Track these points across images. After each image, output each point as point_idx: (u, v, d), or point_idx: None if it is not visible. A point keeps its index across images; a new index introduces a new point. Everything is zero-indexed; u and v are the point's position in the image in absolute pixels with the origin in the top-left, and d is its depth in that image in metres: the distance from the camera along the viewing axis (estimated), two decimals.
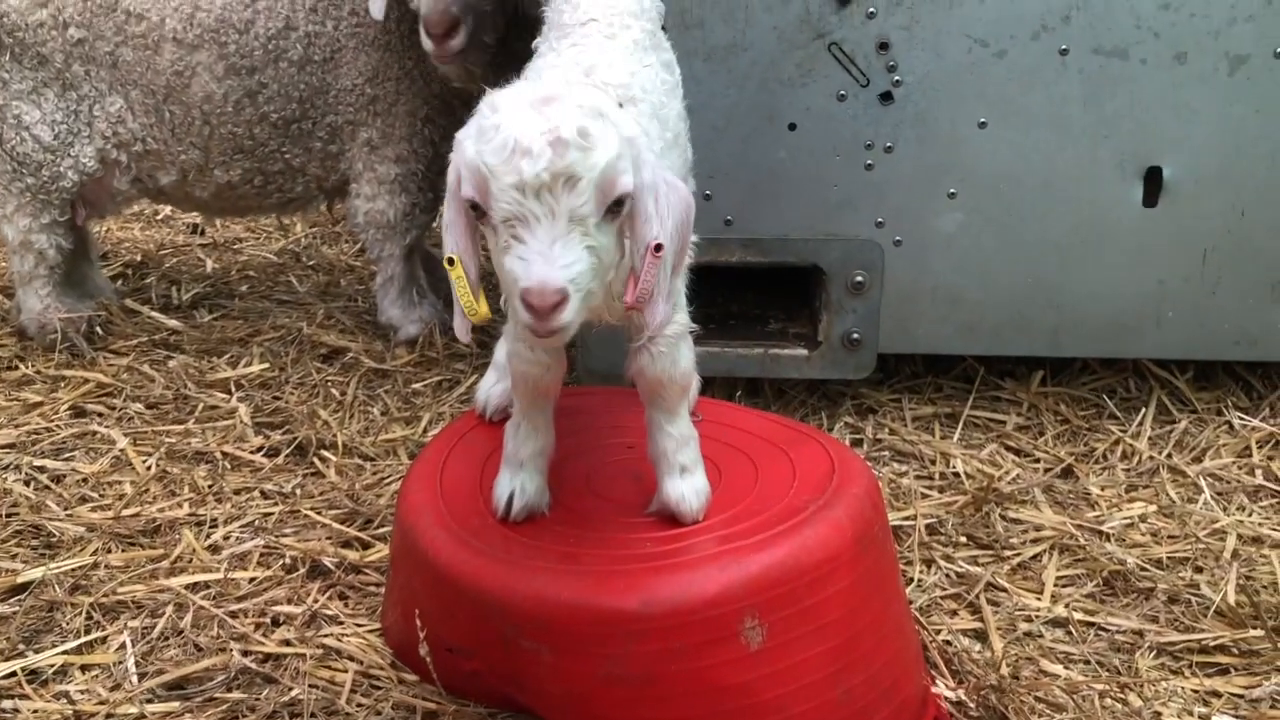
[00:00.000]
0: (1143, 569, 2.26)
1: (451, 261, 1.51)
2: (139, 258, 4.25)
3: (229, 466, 2.65)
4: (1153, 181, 2.63)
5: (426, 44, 2.81)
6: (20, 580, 2.13)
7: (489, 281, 1.58)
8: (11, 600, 2.09)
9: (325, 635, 1.99)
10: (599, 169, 1.36)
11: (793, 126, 2.61)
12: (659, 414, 1.76)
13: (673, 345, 1.70)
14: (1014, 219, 2.67)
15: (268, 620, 2.04)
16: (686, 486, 1.74)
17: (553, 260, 1.35)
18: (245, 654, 1.91)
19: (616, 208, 1.41)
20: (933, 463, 2.70)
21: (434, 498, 1.85)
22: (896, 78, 2.56)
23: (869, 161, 2.63)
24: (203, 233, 4.67)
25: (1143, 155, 2.62)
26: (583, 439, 2.02)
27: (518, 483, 1.78)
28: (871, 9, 2.52)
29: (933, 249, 2.69)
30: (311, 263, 4.35)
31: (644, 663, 1.56)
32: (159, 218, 4.84)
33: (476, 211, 1.43)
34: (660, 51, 2.03)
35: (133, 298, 3.70)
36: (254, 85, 3.17)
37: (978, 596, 2.17)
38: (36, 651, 1.93)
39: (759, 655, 1.57)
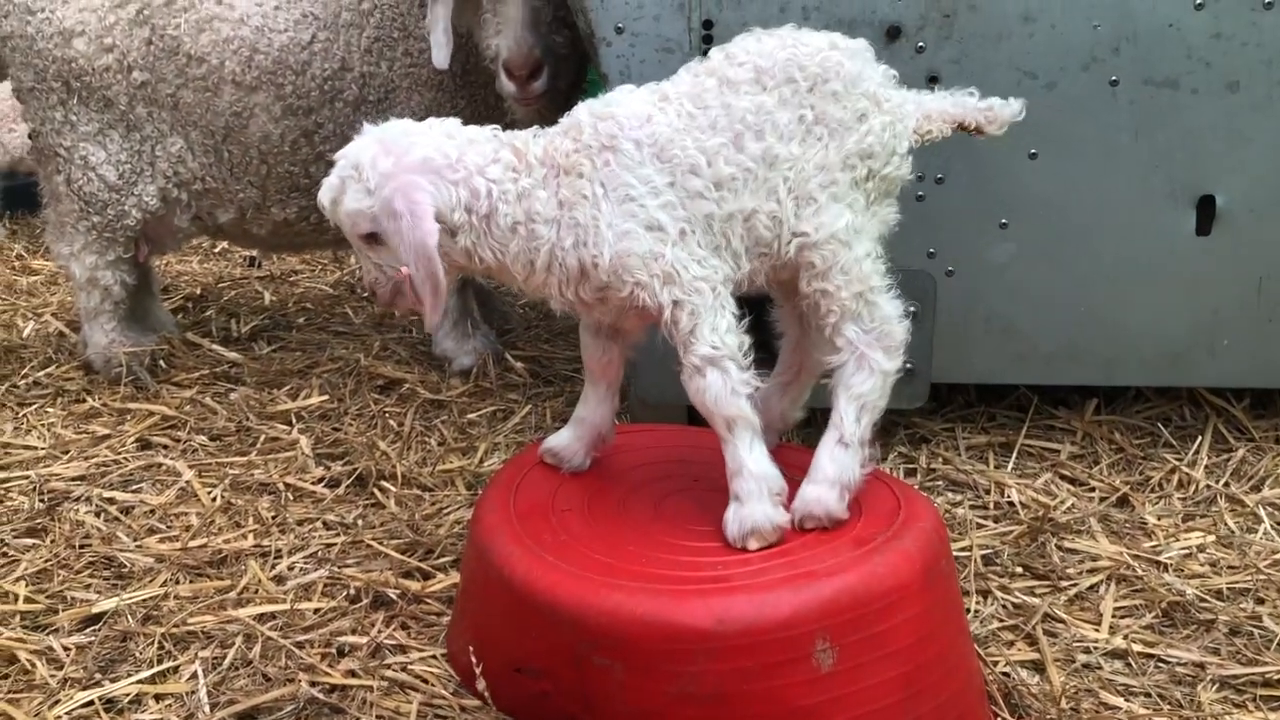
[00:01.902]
0: (1202, 600, 2.25)
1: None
2: (199, 291, 4.36)
3: (291, 497, 2.71)
4: (1206, 210, 2.63)
5: (508, 87, 2.90)
6: (95, 610, 2.19)
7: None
8: (88, 630, 2.15)
9: (390, 666, 2.03)
10: (341, 219, 1.85)
11: None
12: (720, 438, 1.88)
13: (694, 373, 1.84)
14: (1066, 249, 2.68)
15: (333, 651, 2.09)
16: (731, 514, 1.85)
17: (363, 270, 1.98)
18: (313, 684, 1.95)
19: (374, 239, 1.85)
20: (987, 492, 2.70)
21: (508, 519, 1.90)
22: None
23: (920, 193, 2.65)
24: (259, 265, 4.78)
25: (1195, 184, 2.62)
26: (653, 470, 2.11)
27: (559, 434, 2.14)
28: (921, 43, 2.55)
29: (985, 279, 2.71)
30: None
31: (716, 681, 1.59)
32: (216, 251, 4.96)
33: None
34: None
35: (194, 331, 3.79)
36: (310, 125, 3.25)
37: (1035, 628, 2.17)
38: (112, 681, 1.99)
39: (830, 678, 1.60)
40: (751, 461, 1.85)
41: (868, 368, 1.92)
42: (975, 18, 2.54)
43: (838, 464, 1.89)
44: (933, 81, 2.56)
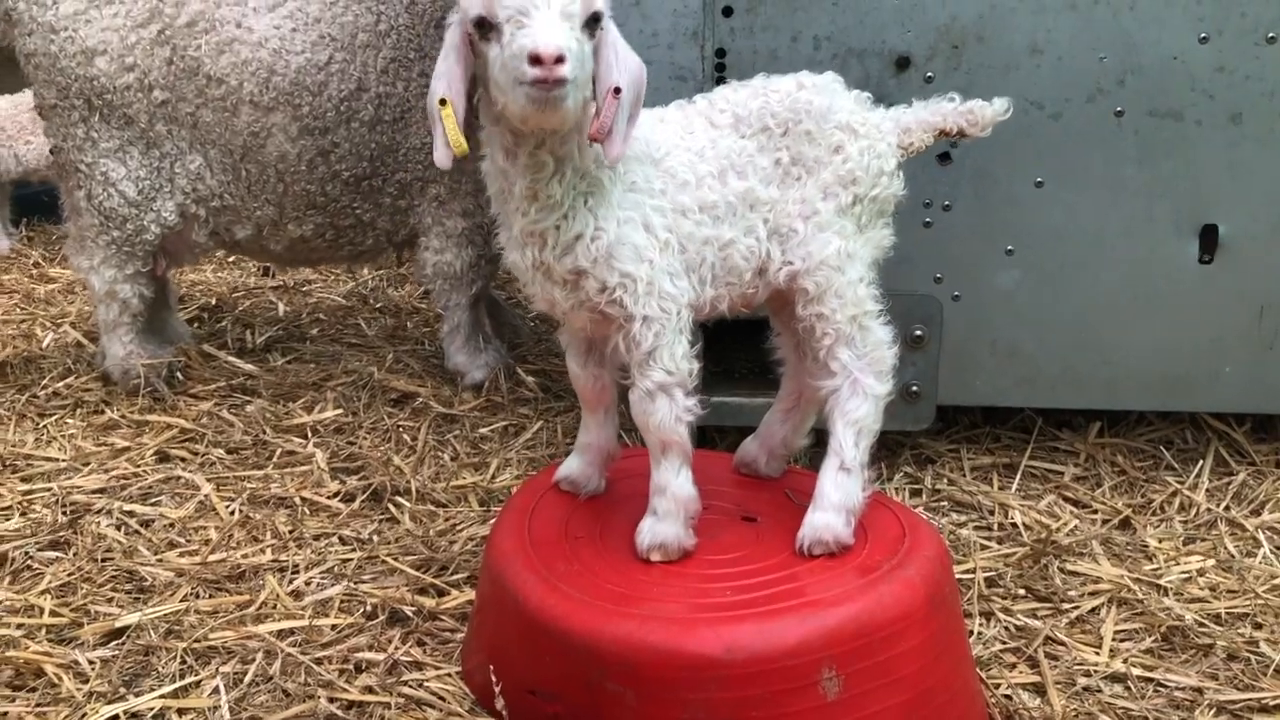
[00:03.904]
0: (1201, 624, 2.30)
1: (444, 102, 1.76)
2: (214, 301, 4.41)
3: (308, 512, 2.76)
4: (1208, 239, 2.68)
5: None
6: (118, 625, 2.24)
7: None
8: (111, 644, 2.20)
9: (407, 683, 2.08)
10: None
11: None
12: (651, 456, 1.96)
13: (646, 396, 1.90)
14: (1070, 275, 2.72)
15: (351, 667, 2.14)
16: (646, 525, 1.94)
17: (553, 31, 1.61)
18: (332, 700, 2.00)
19: (593, 24, 1.69)
20: (991, 513, 2.75)
21: (523, 545, 1.95)
22: (952, 140, 2.62)
23: (927, 219, 2.69)
24: (272, 275, 4.84)
25: (1198, 213, 2.66)
26: None
27: (569, 462, 2.19)
28: (930, 73, 2.60)
29: (990, 304, 2.75)
30: (379, 305, 4.49)
31: (726, 709, 1.64)
32: (230, 260, 5.01)
33: (482, 31, 1.68)
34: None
35: (209, 341, 3.84)
36: (327, 145, 3.30)
37: (1036, 650, 2.22)
38: (136, 695, 2.04)
39: (835, 705, 1.64)
40: (676, 485, 1.93)
41: (861, 393, 1.98)
42: (983, 49, 2.58)
43: (842, 490, 1.94)
44: None
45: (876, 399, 1.99)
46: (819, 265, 1.94)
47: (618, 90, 1.71)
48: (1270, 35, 2.54)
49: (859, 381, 1.98)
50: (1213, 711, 2.06)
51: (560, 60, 1.59)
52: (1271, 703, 2.06)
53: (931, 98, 2.15)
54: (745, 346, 3.10)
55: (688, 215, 1.89)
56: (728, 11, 2.59)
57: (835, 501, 1.94)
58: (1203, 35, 2.55)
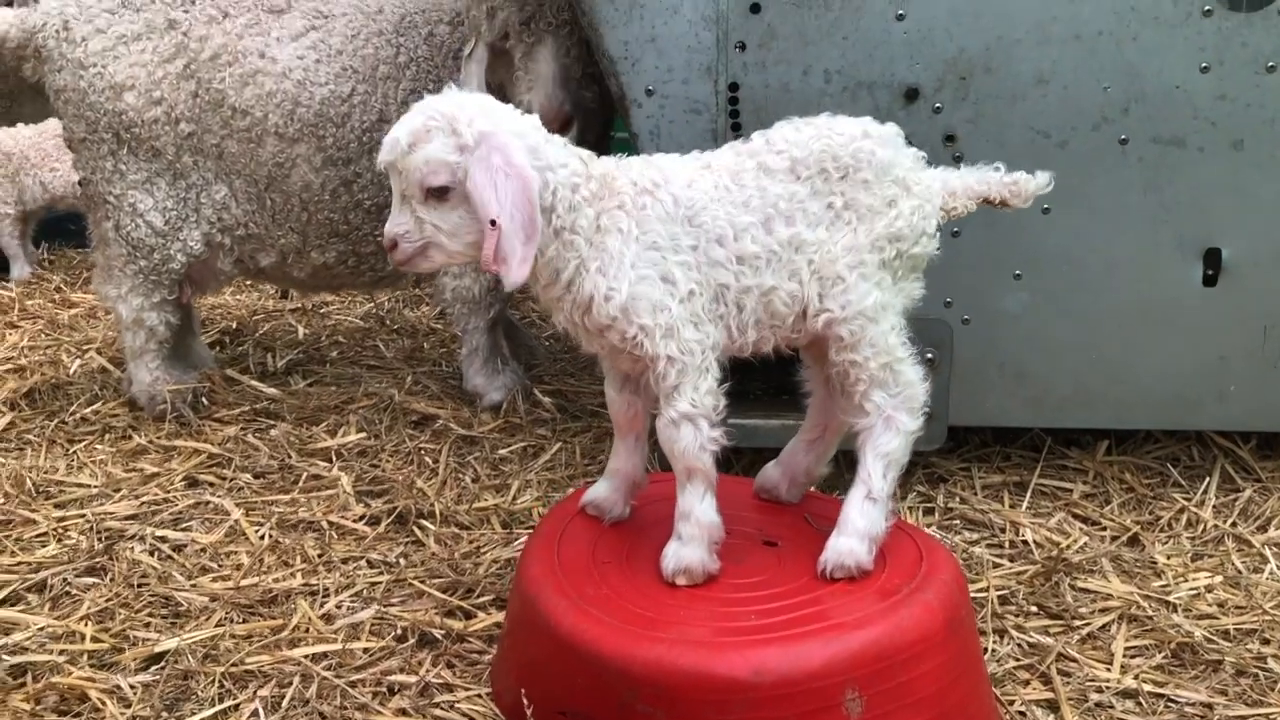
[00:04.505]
0: (1210, 640, 2.36)
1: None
2: (234, 325, 4.49)
3: (335, 536, 2.83)
4: (1212, 262, 2.74)
5: None
6: (157, 650, 2.31)
7: None
8: (151, 669, 2.27)
9: (439, 704, 2.14)
10: (413, 165, 1.85)
11: None
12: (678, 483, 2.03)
13: (669, 424, 1.97)
14: (1077, 298, 2.79)
15: (384, 689, 2.20)
16: (671, 550, 2.01)
17: (390, 221, 1.92)
18: None
19: (440, 194, 1.87)
20: (1002, 531, 2.81)
21: (553, 570, 2.02)
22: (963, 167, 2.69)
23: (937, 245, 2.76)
24: (290, 298, 4.92)
25: (1202, 237, 2.73)
26: None
27: (596, 487, 2.26)
28: (938, 104, 2.67)
29: (999, 327, 2.82)
30: (395, 326, 4.57)
31: None
32: (248, 282, 5.08)
33: None
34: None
35: (232, 365, 3.92)
36: (349, 175, 3.39)
37: (1049, 667, 2.28)
38: (179, 719, 2.11)
39: None
40: (700, 510, 2.00)
41: (894, 429, 2.04)
42: (990, 80, 2.65)
43: (866, 518, 2.01)
44: (949, 140, 2.69)
45: (909, 434, 2.05)
46: (856, 315, 1.99)
47: (494, 223, 1.83)
48: (1270, 64, 2.61)
49: (893, 419, 2.04)
50: None
51: (394, 246, 1.92)
52: None
53: (977, 166, 2.17)
54: (760, 369, 3.17)
55: (725, 267, 1.95)
56: (741, 46, 2.66)
57: (860, 528, 2.00)
58: (1204, 65, 2.62)
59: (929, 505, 2.93)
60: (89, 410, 3.61)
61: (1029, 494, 2.96)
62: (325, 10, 3.44)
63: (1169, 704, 2.19)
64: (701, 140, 2.70)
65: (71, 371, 3.94)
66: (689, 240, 1.95)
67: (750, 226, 1.96)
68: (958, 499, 2.95)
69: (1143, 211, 2.72)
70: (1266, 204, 2.70)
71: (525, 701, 1.88)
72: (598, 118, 3.19)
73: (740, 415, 2.86)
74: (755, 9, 2.64)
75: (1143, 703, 2.19)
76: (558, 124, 3.01)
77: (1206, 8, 2.58)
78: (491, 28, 3.12)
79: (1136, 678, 2.25)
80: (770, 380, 3.09)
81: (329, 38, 3.39)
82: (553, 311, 2.02)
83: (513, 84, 3.14)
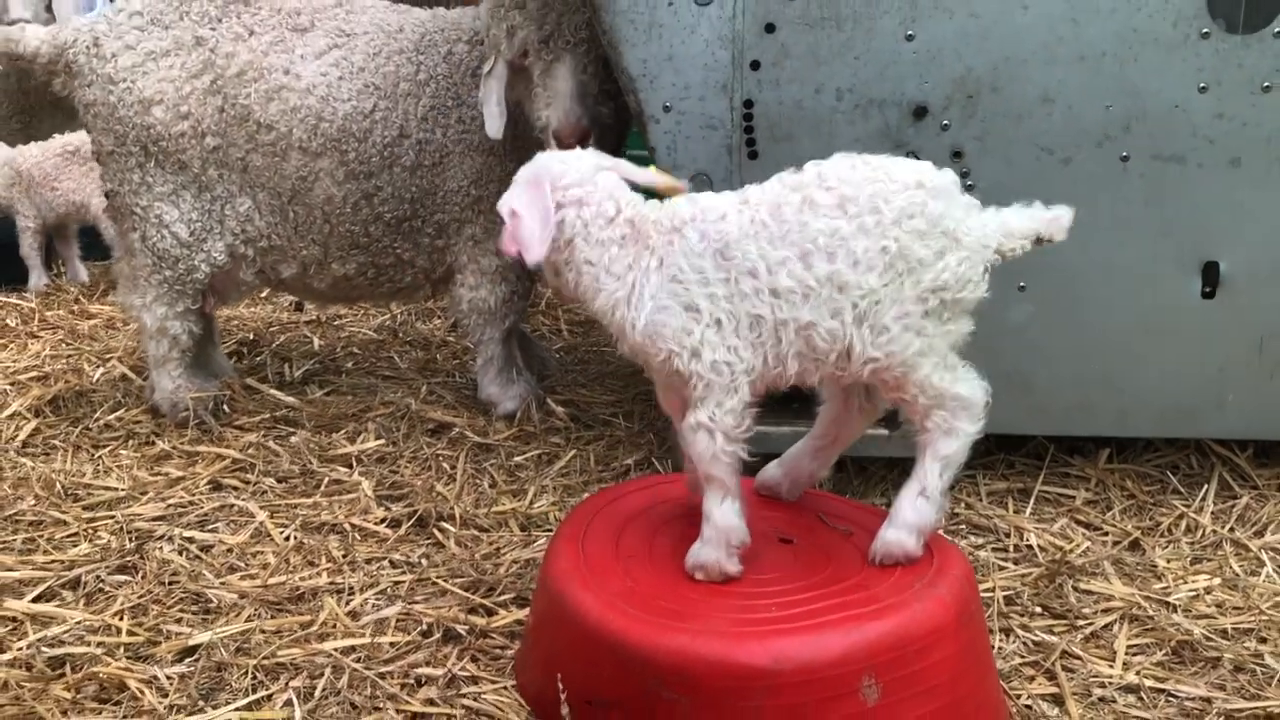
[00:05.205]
0: (1209, 639, 2.43)
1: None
2: (251, 336, 4.58)
3: (358, 537, 2.90)
4: (1210, 275, 2.84)
5: None
6: (191, 643, 2.38)
7: None
8: (186, 661, 2.34)
9: (465, 695, 2.22)
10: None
11: None
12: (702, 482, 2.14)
13: (691, 429, 2.08)
14: (1080, 310, 2.88)
15: (412, 681, 2.28)
16: (694, 548, 2.11)
17: None
18: (399, 713, 2.15)
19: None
20: (1007, 535, 2.89)
21: (579, 565, 2.10)
22: (970, 183, 2.79)
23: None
24: (304, 310, 5.01)
25: (1200, 251, 2.83)
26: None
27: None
28: (946, 121, 2.77)
29: (1005, 337, 2.90)
30: (409, 339, 4.65)
31: (775, 715, 1.78)
32: (263, 295, 5.18)
33: None
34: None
35: (250, 375, 4.00)
36: (370, 188, 3.48)
37: (1054, 664, 2.35)
38: (214, 708, 2.18)
39: (875, 711, 1.80)
40: (718, 514, 2.08)
41: (955, 434, 2.09)
42: (997, 98, 2.75)
43: (918, 513, 2.09)
44: (957, 156, 2.78)
45: (969, 436, 2.11)
46: (900, 363, 2.02)
47: (513, 212, 2.09)
48: (1266, 85, 2.70)
49: (954, 428, 2.09)
50: None
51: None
52: (1276, 711, 2.20)
53: (1024, 204, 2.19)
54: None
55: (759, 300, 1.99)
56: (755, 65, 2.76)
57: (910, 522, 2.08)
58: (1202, 85, 2.72)
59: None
60: (112, 417, 3.69)
61: (1033, 500, 3.04)
62: (348, 29, 3.53)
63: (1170, 698, 2.27)
64: (717, 155, 2.80)
65: (94, 380, 4.02)
66: (719, 273, 2.01)
67: (786, 261, 1.98)
68: (964, 505, 3.04)
69: (1143, 226, 2.82)
70: (1263, 219, 2.80)
71: (560, 688, 1.96)
72: (614, 132, 3.29)
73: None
74: (770, 29, 2.74)
75: (1144, 697, 2.27)
76: (575, 138, 3.11)
77: (1204, 30, 2.68)
78: (511, 45, 3.21)
79: (1138, 674, 2.32)
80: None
81: (351, 55, 3.48)
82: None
83: (531, 100, 3.24)
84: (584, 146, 3.10)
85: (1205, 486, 3.06)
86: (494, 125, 3.24)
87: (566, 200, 2.08)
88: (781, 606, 1.92)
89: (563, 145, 3.12)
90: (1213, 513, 2.97)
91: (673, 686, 1.82)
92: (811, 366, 2.07)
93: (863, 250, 1.97)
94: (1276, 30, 2.67)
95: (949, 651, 1.86)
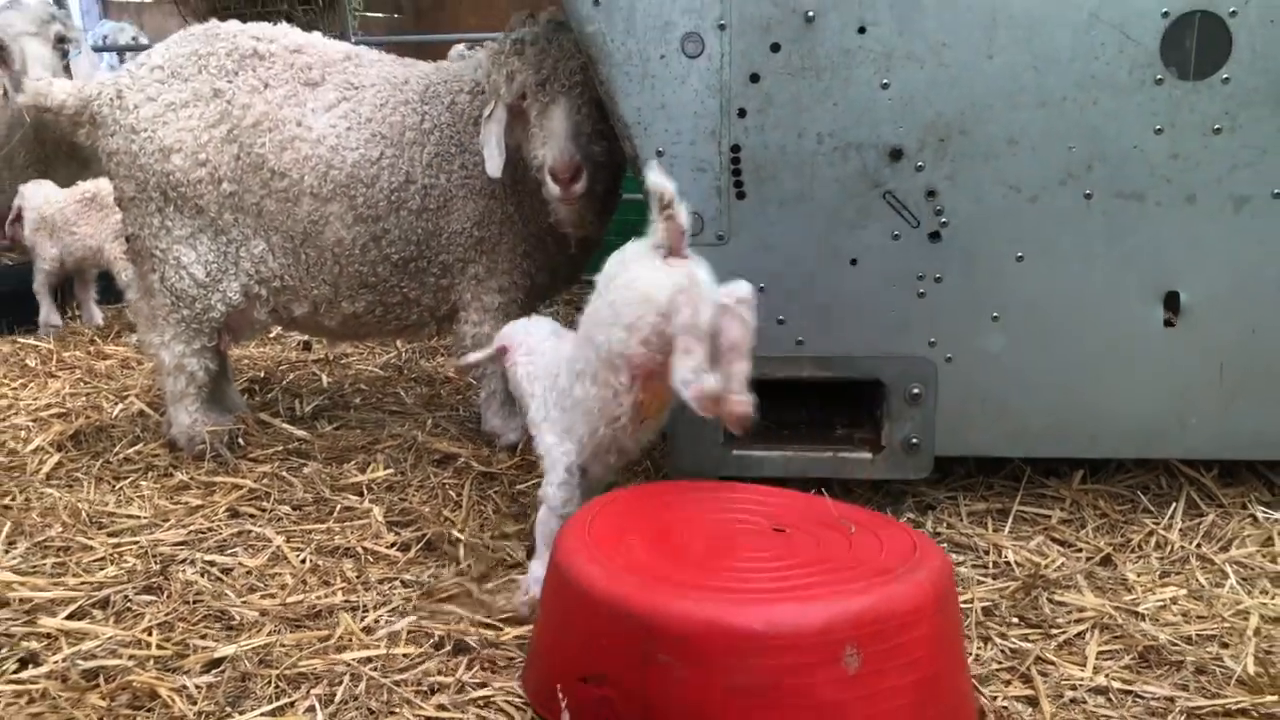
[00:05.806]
0: (1174, 644, 2.59)
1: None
2: (262, 374, 4.74)
3: (371, 560, 3.06)
4: (1171, 304, 3.02)
5: (553, 190, 3.31)
6: (216, 655, 2.53)
7: None
8: (213, 672, 2.49)
9: (476, 700, 2.37)
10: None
11: (854, 261, 3.03)
12: None
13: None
14: (1050, 338, 3.06)
15: (425, 689, 2.43)
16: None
17: None
18: (414, 716, 2.29)
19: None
20: (986, 553, 3.05)
21: (585, 544, 2.27)
22: (943, 220, 2.98)
23: (921, 290, 3.04)
24: (310, 348, 5.18)
25: (1161, 282, 3.01)
26: (706, 515, 2.50)
27: None
28: (920, 163, 2.96)
29: (980, 365, 3.08)
30: (414, 375, 4.82)
31: (762, 675, 1.95)
32: (272, 335, 5.35)
33: None
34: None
35: (263, 411, 4.17)
36: (378, 231, 3.66)
37: (1029, 669, 2.50)
38: (241, 714, 2.33)
39: (856, 679, 1.96)
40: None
41: None
42: (966, 141, 2.94)
43: None
44: (930, 195, 2.97)
45: None
46: None
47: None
48: (1216, 127, 2.90)
49: None
50: (1184, 717, 2.34)
51: None
52: (1234, 708, 2.35)
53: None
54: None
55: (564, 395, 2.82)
56: (742, 113, 2.96)
57: None
58: (1158, 127, 2.91)
59: (919, 530, 3.16)
60: (131, 451, 3.84)
61: (1010, 519, 3.20)
62: (356, 82, 3.73)
63: (1136, 698, 2.42)
64: (707, 195, 2.99)
65: (113, 416, 4.18)
66: (545, 382, 2.91)
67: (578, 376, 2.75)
68: (945, 524, 3.19)
69: (1107, 259, 3.00)
70: (1219, 252, 2.98)
71: (561, 696, 2.11)
72: (606, 170, 3.46)
73: (743, 447, 3.12)
74: (755, 79, 2.94)
75: (1113, 698, 2.42)
76: (569, 173, 3.29)
77: (1158, 77, 2.89)
78: (510, 89, 3.41)
79: (1107, 677, 2.47)
80: (770, 415, 3.34)
81: (359, 107, 3.68)
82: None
83: (528, 141, 3.43)
84: (576, 181, 3.30)
85: (1174, 505, 3.22)
86: (494, 164, 3.43)
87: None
88: (774, 580, 2.10)
89: (558, 180, 3.30)
90: (1181, 529, 3.13)
91: (668, 649, 1.98)
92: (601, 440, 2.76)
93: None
94: (1224, 77, 2.87)
95: (926, 630, 2.03)
